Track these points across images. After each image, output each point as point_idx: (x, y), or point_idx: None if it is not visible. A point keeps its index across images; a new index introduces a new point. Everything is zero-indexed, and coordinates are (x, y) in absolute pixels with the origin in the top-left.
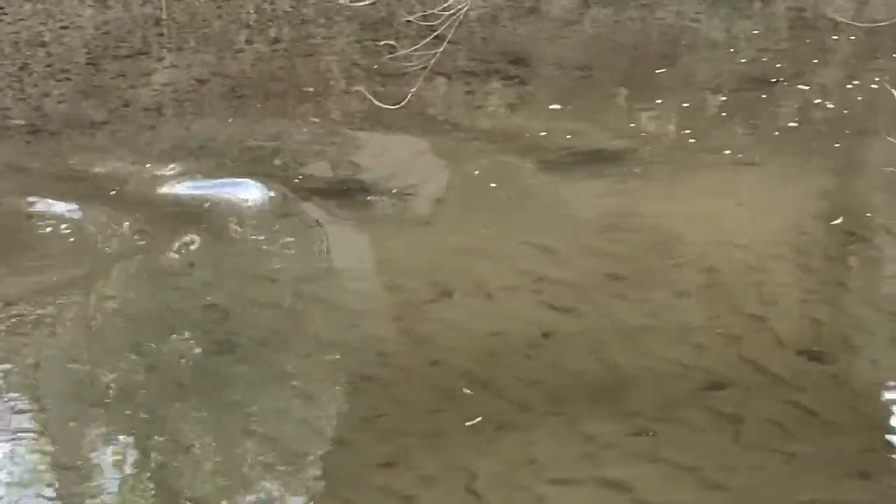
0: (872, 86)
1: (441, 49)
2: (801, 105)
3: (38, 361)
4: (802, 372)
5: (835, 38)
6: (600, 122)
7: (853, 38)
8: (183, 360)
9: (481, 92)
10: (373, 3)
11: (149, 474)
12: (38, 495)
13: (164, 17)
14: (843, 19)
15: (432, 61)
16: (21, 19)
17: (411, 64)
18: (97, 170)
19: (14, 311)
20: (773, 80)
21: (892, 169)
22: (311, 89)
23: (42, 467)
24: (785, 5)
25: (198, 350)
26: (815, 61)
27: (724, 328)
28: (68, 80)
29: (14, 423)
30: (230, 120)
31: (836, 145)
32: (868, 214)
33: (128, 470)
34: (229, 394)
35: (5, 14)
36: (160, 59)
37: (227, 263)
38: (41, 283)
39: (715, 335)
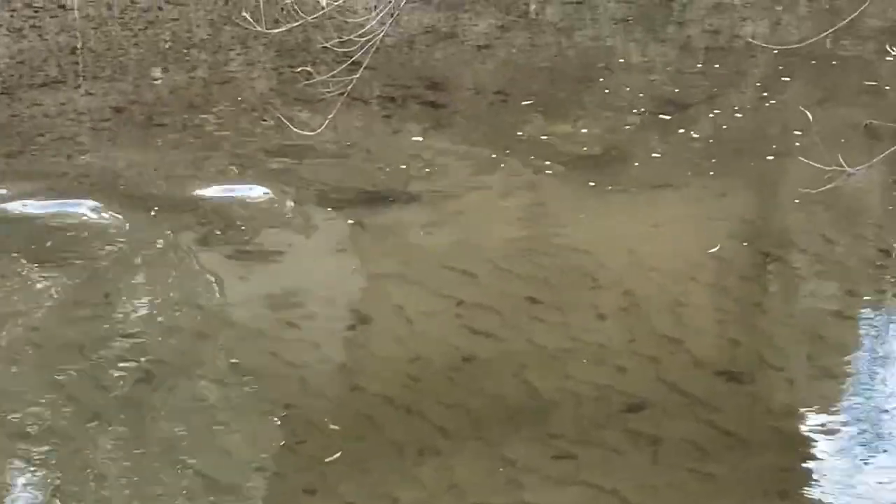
0: (786, 107)
1: (358, 75)
2: (717, 127)
3: None
4: (719, 392)
5: (749, 60)
6: (517, 145)
7: (767, 60)
8: (101, 391)
9: (399, 117)
10: (289, 30)
11: None
12: None
13: (79, 45)
14: (756, 42)
15: (349, 87)
16: None
17: (328, 90)
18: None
19: None
20: (689, 102)
21: (805, 189)
22: (230, 117)
23: None
24: (700, 28)
25: (116, 380)
26: (730, 83)
27: (642, 350)
28: None
29: None
30: (147, 148)
31: (751, 166)
32: (782, 234)
33: (48, 501)
34: (149, 423)
35: None
36: (76, 88)
37: (143, 292)
38: None
39: (633, 357)
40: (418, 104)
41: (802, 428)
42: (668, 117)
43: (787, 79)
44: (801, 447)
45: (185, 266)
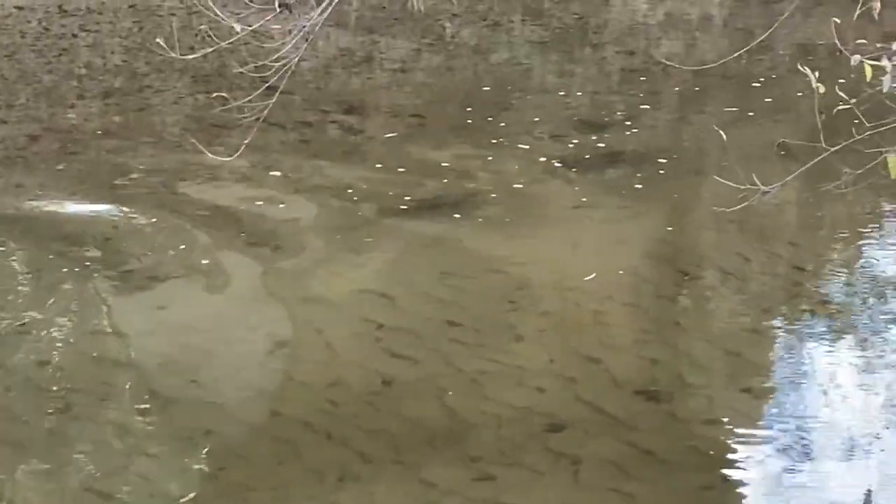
0: (701, 127)
1: (274, 100)
2: (633, 147)
3: None
4: (639, 411)
5: (665, 80)
6: (436, 168)
7: (683, 80)
8: (19, 419)
9: (317, 141)
10: (204, 56)
11: None
12: None
13: None
14: (671, 63)
15: (265, 112)
16: None
17: (244, 115)
18: None
19: None
20: (605, 123)
21: (722, 208)
22: (146, 143)
23: None
24: (615, 50)
25: (34, 408)
26: (646, 104)
27: (561, 371)
28: None
29: None
30: (59, 176)
31: (668, 186)
32: (699, 253)
33: None
34: (67, 452)
35: None
36: None
37: (60, 319)
38: None
39: (553, 378)
40: (336, 128)
41: (721, 445)
42: (584, 138)
43: (703, 99)
44: (721, 464)
45: (98, 296)
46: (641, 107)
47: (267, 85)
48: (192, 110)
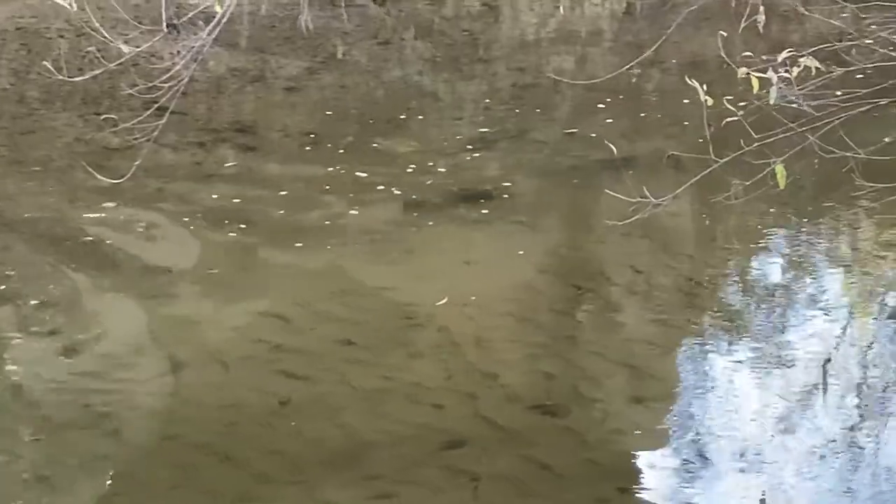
0: (593, 140)
1: (164, 120)
2: (527, 161)
3: None
4: (536, 426)
5: (556, 95)
6: (326, 189)
7: (574, 95)
8: None
9: (209, 162)
10: (94, 78)
11: None
12: None
13: None
14: (561, 78)
15: (155, 133)
16: None
17: (135, 137)
18: None
19: None
20: (497, 138)
21: (614, 221)
22: (35, 167)
23: None
24: (506, 65)
25: None
26: (538, 119)
27: (458, 387)
28: None
29: None
30: None
31: (560, 200)
32: (593, 267)
33: None
34: None
35: None
36: None
37: None
38: None
39: (450, 394)
40: (228, 148)
41: (618, 457)
42: (477, 154)
43: (593, 113)
44: (618, 477)
45: None
46: (532, 122)
47: (157, 106)
48: (82, 133)
